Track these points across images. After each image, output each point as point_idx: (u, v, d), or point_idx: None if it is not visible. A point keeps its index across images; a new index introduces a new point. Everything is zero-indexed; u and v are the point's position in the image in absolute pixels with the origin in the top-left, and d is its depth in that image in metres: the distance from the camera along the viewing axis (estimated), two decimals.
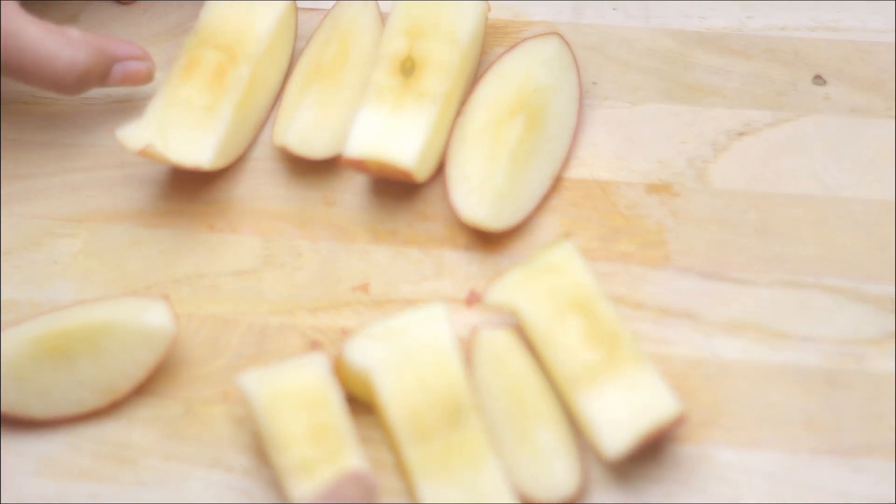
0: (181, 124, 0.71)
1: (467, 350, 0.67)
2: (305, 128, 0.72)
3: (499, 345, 0.66)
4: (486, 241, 0.71)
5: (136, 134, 0.70)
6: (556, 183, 0.72)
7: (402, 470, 0.64)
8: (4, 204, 0.74)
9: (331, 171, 0.74)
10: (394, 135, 0.70)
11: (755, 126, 0.73)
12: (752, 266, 0.69)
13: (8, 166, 0.75)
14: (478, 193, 0.70)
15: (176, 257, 0.72)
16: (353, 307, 0.70)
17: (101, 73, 0.72)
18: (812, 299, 0.68)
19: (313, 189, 0.73)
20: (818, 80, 0.74)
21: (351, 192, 0.73)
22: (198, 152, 0.71)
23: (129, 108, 0.76)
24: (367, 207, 0.73)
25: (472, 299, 0.69)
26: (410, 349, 0.64)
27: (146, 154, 0.69)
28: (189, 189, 0.74)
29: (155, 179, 0.74)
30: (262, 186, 0.74)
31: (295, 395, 0.63)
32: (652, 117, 0.74)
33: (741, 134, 0.73)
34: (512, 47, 0.73)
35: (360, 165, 0.70)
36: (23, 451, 0.67)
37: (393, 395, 0.63)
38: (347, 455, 0.63)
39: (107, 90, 0.77)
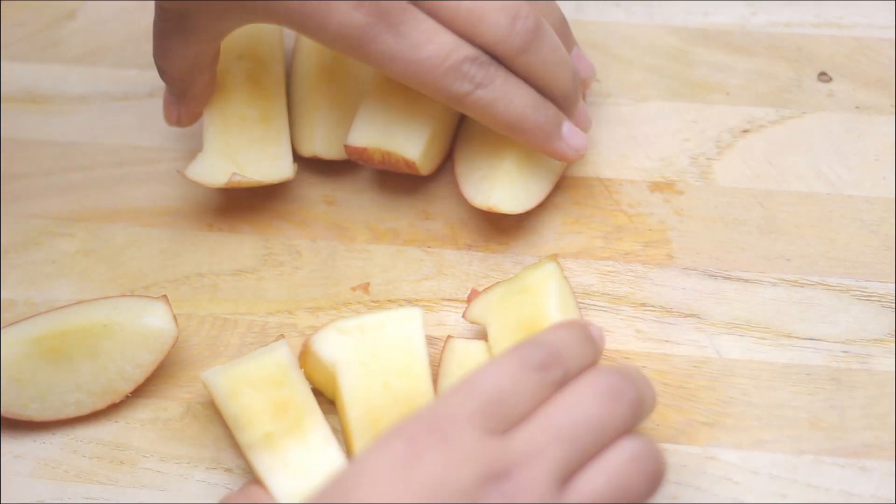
0: (246, 142, 0.71)
1: (439, 357, 0.66)
2: (329, 131, 0.72)
3: (468, 355, 0.65)
4: (488, 239, 0.71)
5: (208, 167, 0.70)
6: (560, 181, 0.72)
7: None
8: (2, 203, 0.73)
9: (331, 169, 0.73)
10: (399, 124, 0.69)
11: (759, 123, 0.73)
12: (755, 265, 0.69)
13: (6, 165, 0.74)
14: (489, 180, 0.69)
15: (175, 257, 0.71)
16: (354, 307, 0.69)
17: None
18: (816, 298, 0.68)
19: (313, 188, 0.73)
20: (823, 77, 0.74)
21: (351, 190, 0.73)
22: (277, 166, 0.70)
23: (128, 107, 0.76)
24: (367, 206, 0.72)
25: (474, 298, 0.69)
26: (380, 348, 0.63)
27: (232, 185, 0.69)
28: (188, 188, 0.73)
29: (153, 179, 0.74)
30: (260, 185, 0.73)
31: (257, 378, 0.63)
32: (655, 115, 0.73)
33: (745, 131, 0.73)
34: None
35: (363, 154, 0.69)
36: (21, 452, 0.67)
37: (354, 391, 0.63)
38: (310, 425, 0.62)
39: (106, 87, 0.76)
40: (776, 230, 0.70)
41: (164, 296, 0.67)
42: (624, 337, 0.68)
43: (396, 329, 0.64)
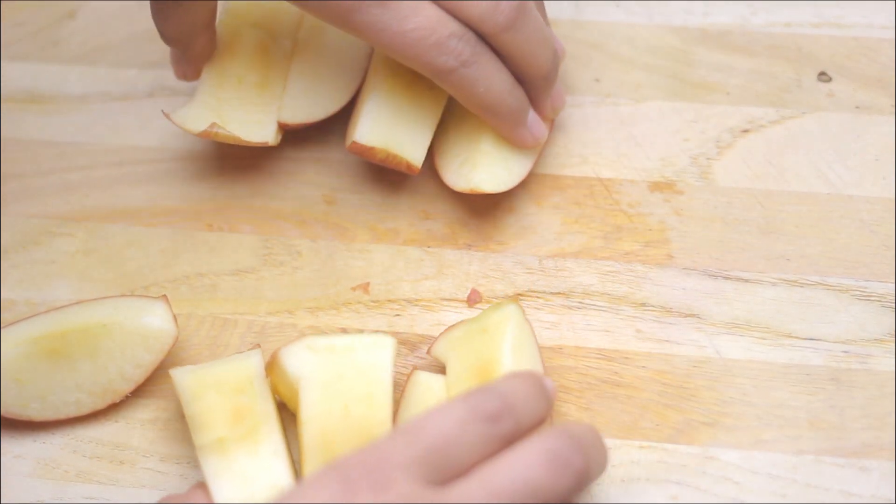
0: (237, 103, 0.71)
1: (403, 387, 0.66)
2: (297, 99, 0.72)
3: (429, 390, 0.65)
4: (488, 239, 0.71)
5: (193, 114, 0.70)
6: (560, 180, 0.72)
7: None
8: (3, 203, 0.73)
9: (331, 169, 0.73)
10: (404, 127, 0.70)
11: (759, 123, 0.73)
12: (755, 265, 0.69)
13: (6, 165, 0.74)
14: (469, 164, 0.69)
15: (174, 256, 0.71)
16: (353, 307, 0.69)
17: None
18: (816, 298, 0.68)
19: (313, 187, 0.73)
20: (822, 76, 0.74)
21: (351, 190, 0.73)
22: (261, 130, 0.71)
23: (128, 107, 0.76)
24: (367, 206, 0.72)
25: (474, 298, 0.69)
26: (345, 371, 0.63)
27: (209, 135, 0.69)
28: (188, 188, 0.73)
29: (153, 178, 0.74)
30: (260, 185, 0.73)
31: (221, 383, 0.64)
32: (655, 115, 0.73)
33: (745, 131, 0.73)
34: None
35: (367, 152, 0.70)
36: (21, 452, 0.67)
37: (313, 410, 0.62)
38: (263, 436, 0.62)
39: (106, 87, 0.76)
40: (776, 230, 0.70)
41: (164, 296, 0.67)
42: (624, 337, 0.68)
43: (366, 354, 0.63)
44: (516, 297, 0.65)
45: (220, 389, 0.63)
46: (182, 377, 0.64)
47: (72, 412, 0.66)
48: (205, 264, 0.71)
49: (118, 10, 0.79)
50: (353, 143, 0.69)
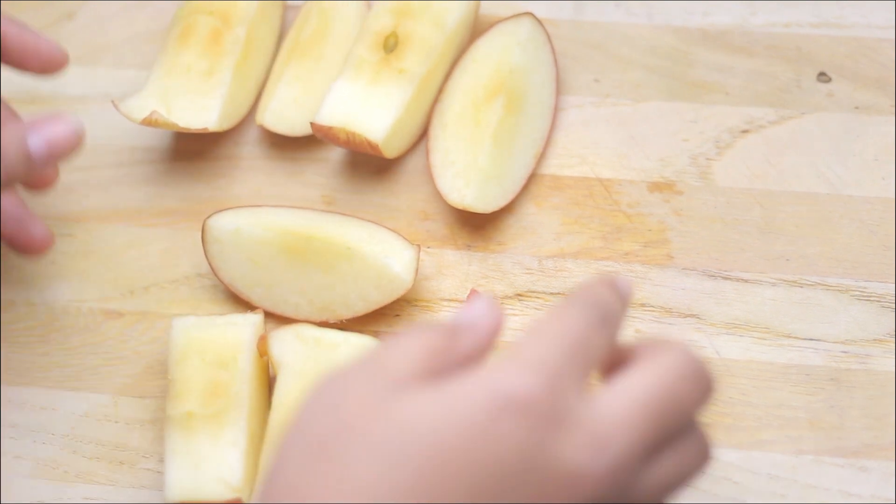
0: (183, 91, 0.72)
1: None
2: (284, 106, 0.73)
3: None
4: (487, 239, 0.71)
5: (137, 105, 0.71)
6: (559, 181, 0.72)
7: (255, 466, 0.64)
8: None
9: (331, 168, 0.73)
10: (367, 107, 0.70)
11: (758, 124, 0.73)
12: (755, 265, 0.69)
13: None
14: (463, 177, 0.70)
15: (174, 257, 0.71)
16: None
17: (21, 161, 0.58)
18: (816, 298, 0.68)
19: (312, 187, 0.73)
20: (822, 77, 0.74)
21: (351, 190, 0.73)
22: (203, 116, 0.71)
23: None
24: (367, 206, 0.72)
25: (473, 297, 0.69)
26: (325, 365, 0.63)
27: (150, 123, 0.69)
28: (188, 188, 0.73)
29: (153, 179, 0.74)
30: (260, 185, 0.73)
31: (209, 350, 0.64)
32: (654, 115, 0.73)
33: (744, 132, 0.73)
34: (485, 31, 0.73)
35: (328, 133, 0.70)
36: (21, 452, 0.67)
37: (284, 397, 0.63)
38: (230, 419, 0.63)
39: (106, 87, 0.76)
40: (776, 230, 0.70)
41: (418, 245, 0.68)
42: (623, 337, 0.67)
43: (349, 352, 0.64)
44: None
45: (204, 357, 0.64)
46: (178, 332, 0.65)
47: (289, 312, 0.68)
48: (205, 264, 0.71)
49: (118, 10, 0.79)
50: (313, 124, 0.70)
